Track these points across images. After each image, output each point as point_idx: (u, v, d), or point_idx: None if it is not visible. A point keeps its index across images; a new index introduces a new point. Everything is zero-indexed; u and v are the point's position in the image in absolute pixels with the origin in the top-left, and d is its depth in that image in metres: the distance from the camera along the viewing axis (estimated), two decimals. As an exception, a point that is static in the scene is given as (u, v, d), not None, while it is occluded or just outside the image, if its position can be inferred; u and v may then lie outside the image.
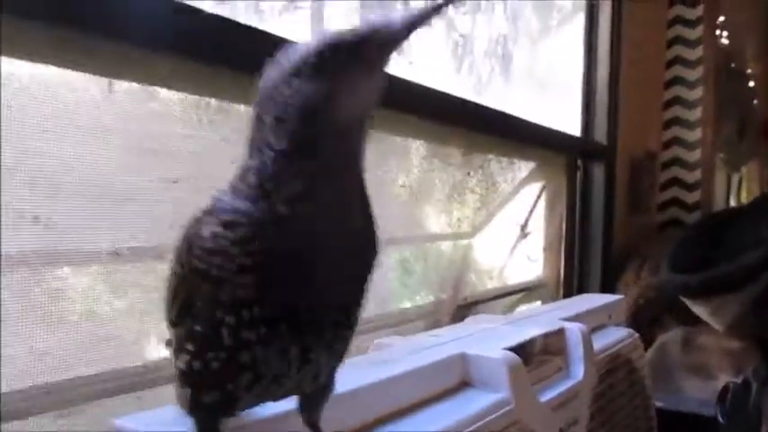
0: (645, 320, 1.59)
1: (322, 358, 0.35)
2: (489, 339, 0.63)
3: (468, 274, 1.16)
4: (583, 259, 1.65)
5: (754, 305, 1.36)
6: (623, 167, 1.77)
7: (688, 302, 1.47)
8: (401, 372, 0.52)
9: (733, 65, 3.55)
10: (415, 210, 1.17)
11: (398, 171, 1.07)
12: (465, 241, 1.26)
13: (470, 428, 0.50)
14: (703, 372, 1.42)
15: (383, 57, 0.33)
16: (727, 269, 1.33)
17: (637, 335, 0.91)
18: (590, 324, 0.81)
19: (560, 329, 0.72)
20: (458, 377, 0.57)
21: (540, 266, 1.45)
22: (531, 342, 0.68)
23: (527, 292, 1.37)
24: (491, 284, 1.28)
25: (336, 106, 0.31)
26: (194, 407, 0.35)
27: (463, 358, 0.57)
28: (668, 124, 2.04)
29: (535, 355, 0.70)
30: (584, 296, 1.07)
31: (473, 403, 0.53)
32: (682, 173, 2.02)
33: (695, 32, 2.04)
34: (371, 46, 0.32)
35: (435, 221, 1.22)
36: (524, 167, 1.43)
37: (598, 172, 1.67)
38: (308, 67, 0.31)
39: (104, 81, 0.51)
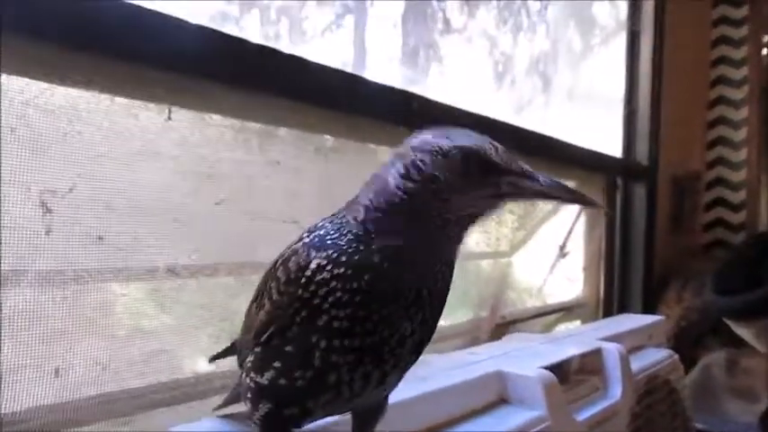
0: (688, 342, 1.57)
1: (394, 379, 0.39)
2: (526, 358, 0.65)
3: (506, 292, 1.17)
4: (624, 279, 1.64)
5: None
6: (665, 187, 1.76)
7: (732, 324, 1.45)
8: (439, 387, 0.54)
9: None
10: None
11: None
12: (504, 260, 1.27)
13: (507, 444, 0.51)
14: (748, 395, 1.39)
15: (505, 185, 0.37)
16: (765, 293, 1.31)
17: (676, 356, 0.91)
18: (628, 344, 0.81)
19: (598, 349, 0.73)
20: (495, 394, 0.58)
21: (579, 286, 1.45)
22: (568, 361, 0.69)
23: (566, 311, 1.37)
24: (530, 303, 1.29)
25: (458, 200, 0.36)
26: (270, 419, 0.38)
27: (500, 376, 0.59)
28: (712, 144, 2.02)
29: (573, 375, 0.71)
30: (624, 316, 1.07)
31: (510, 420, 0.55)
32: (726, 193, 1.99)
33: (740, 52, 2.02)
34: (506, 174, 0.37)
35: (474, 240, 1.24)
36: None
37: (639, 192, 1.67)
38: (453, 159, 0.36)
39: (164, 108, 0.55)
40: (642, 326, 0.91)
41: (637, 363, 0.79)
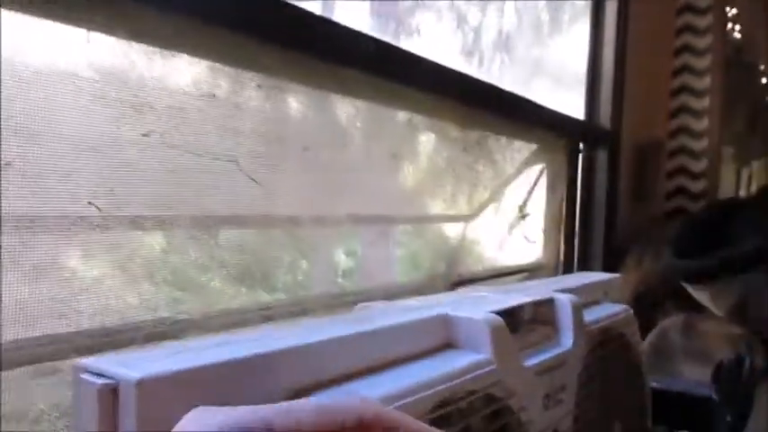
0: (646, 306, 1.58)
1: None
2: (476, 304, 0.62)
3: (463, 251, 1.15)
4: (585, 244, 1.63)
5: (753, 291, 1.35)
6: (628, 154, 1.76)
7: (689, 288, 1.46)
8: (381, 327, 0.51)
9: (746, 59, 3.52)
10: (412, 186, 1.17)
11: (395, 145, 1.06)
12: (461, 220, 1.25)
13: (450, 384, 0.49)
14: (703, 357, 1.40)
15: None
16: (728, 255, 1.31)
17: (631, 311, 0.89)
18: (583, 298, 0.80)
19: (550, 299, 0.71)
20: (441, 338, 0.56)
21: (539, 249, 1.44)
22: (520, 310, 0.67)
23: (526, 273, 1.36)
24: (489, 264, 1.27)
25: None
26: None
27: (446, 319, 0.56)
28: (676, 113, 2.03)
29: (525, 323, 0.69)
30: (580, 273, 1.06)
31: (454, 362, 0.53)
32: (688, 162, 2.00)
33: (704, 21, 2.01)
34: None
35: (432, 199, 1.22)
36: (525, 149, 1.42)
37: (602, 157, 1.66)
38: None
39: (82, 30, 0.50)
40: (597, 281, 0.90)
41: (590, 315, 0.77)
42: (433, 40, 1.30)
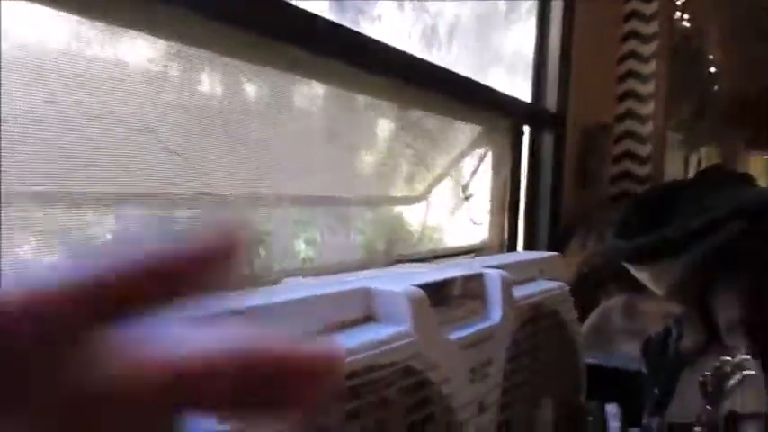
0: (590, 287, 1.60)
1: None
2: (402, 279, 0.62)
3: (404, 231, 1.15)
4: (531, 225, 1.65)
5: (691, 271, 1.38)
6: (574, 138, 1.78)
7: (631, 268, 1.48)
8: (300, 297, 0.50)
9: (694, 47, 3.59)
10: (357, 167, 1.16)
11: (339, 125, 1.05)
12: (405, 202, 1.25)
13: (365, 355, 0.48)
14: (643, 335, 1.42)
15: None
16: (666, 236, 1.34)
17: (567, 288, 0.90)
18: (516, 275, 0.80)
19: (480, 274, 0.71)
20: (361, 311, 0.55)
21: (484, 230, 1.45)
22: (448, 285, 0.67)
23: (471, 254, 1.37)
24: (431, 245, 1.27)
25: None
26: None
27: (367, 292, 0.56)
28: (622, 98, 2.05)
29: (455, 299, 0.68)
30: (518, 252, 1.07)
31: (372, 333, 0.52)
32: (634, 146, 2.03)
33: (651, 7, 2.04)
34: None
35: (373, 179, 1.21)
36: (470, 130, 1.42)
37: (548, 140, 1.67)
38: None
39: None
40: (533, 259, 0.90)
41: (523, 291, 0.77)
42: (392, 28, 1.29)
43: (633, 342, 1.48)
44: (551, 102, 1.68)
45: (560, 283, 0.90)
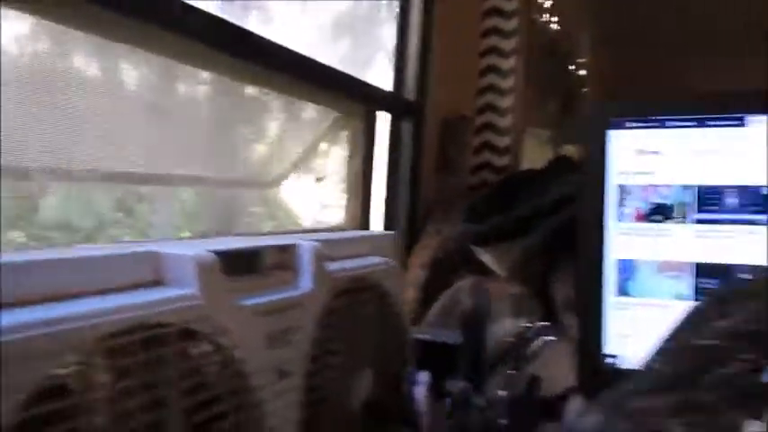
0: (445, 271, 1.66)
1: None
2: (202, 246, 0.62)
3: (246, 212, 1.15)
4: (390, 211, 1.69)
5: (529, 253, 1.46)
6: (434, 127, 1.83)
7: (477, 251, 1.56)
8: (84, 255, 0.49)
9: (562, 49, 3.78)
10: (208, 147, 1.14)
11: (176, 103, 1.03)
12: (257, 185, 1.25)
13: (144, 313, 0.48)
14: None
15: None
16: (505, 219, 1.42)
17: (394, 264, 0.93)
18: (345, 250, 0.82)
19: (292, 245, 0.72)
20: (149, 274, 0.55)
21: (339, 214, 1.47)
22: (261, 255, 0.68)
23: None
24: (277, 227, 1.28)
25: None
26: None
27: (155, 255, 0.55)
28: (483, 91, 2.13)
29: (267, 269, 0.69)
30: (353, 231, 1.09)
31: (157, 295, 0.52)
32: (493, 138, 2.11)
33: (511, 4, 2.13)
34: None
35: (228, 160, 1.20)
36: (325, 115, 1.44)
37: (407, 128, 1.72)
38: None
39: None
40: (365, 236, 0.93)
41: (344, 265, 0.80)
42: (279, 21, 1.28)
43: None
44: (412, 91, 1.72)
45: (387, 260, 0.93)
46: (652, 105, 0.78)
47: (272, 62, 1.17)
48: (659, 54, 3.73)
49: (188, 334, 0.53)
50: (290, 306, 0.67)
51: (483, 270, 1.60)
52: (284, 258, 0.72)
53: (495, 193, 1.64)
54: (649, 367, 0.53)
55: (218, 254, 0.59)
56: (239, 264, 0.64)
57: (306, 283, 0.71)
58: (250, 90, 1.24)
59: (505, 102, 2.12)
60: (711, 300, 0.56)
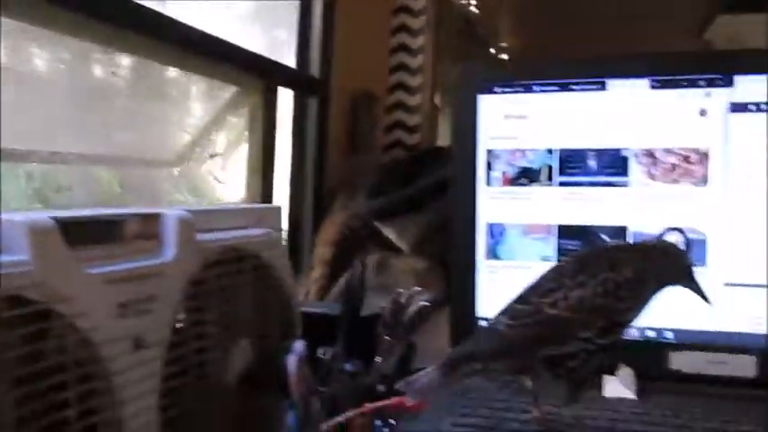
0: (351, 248, 1.66)
1: None
2: (53, 214, 0.59)
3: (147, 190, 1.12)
4: (296, 188, 1.68)
5: (429, 227, 1.48)
6: (341, 105, 1.82)
7: (380, 226, 1.56)
8: None
9: (480, 33, 3.82)
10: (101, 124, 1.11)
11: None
12: (152, 164, 1.21)
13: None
14: (391, 289, 1.51)
15: None
16: (405, 194, 1.43)
17: (279, 236, 0.93)
18: (214, 220, 0.81)
19: (157, 214, 0.70)
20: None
21: (240, 191, 1.45)
22: (120, 224, 0.66)
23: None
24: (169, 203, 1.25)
25: None
26: None
27: (-9, 223, 0.53)
28: (394, 70, 2.13)
29: (129, 238, 0.67)
30: (236, 203, 1.08)
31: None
32: (404, 116, 2.12)
33: (420, -17, 2.14)
34: None
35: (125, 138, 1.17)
36: (225, 91, 1.41)
37: (312, 105, 1.70)
38: None
39: None
40: (244, 208, 0.91)
41: (217, 236, 0.78)
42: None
43: (383, 295, 1.57)
44: (316, 68, 1.71)
45: (269, 231, 0.92)
46: (518, 70, 0.80)
47: (166, 35, 1.14)
48: (580, 38, 3.81)
49: (20, 301, 0.51)
50: (150, 275, 0.65)
51: (390, 246, 1.61)
52: (149, 228, 0.70)
53: (400, 169, 1.65)
54: (496, 328, 0.54)
55: (65, 221, 0.57)
56: (94, 232, 0.62)
57: (169, 251, 0.69)
58: (147, 65, 1.20)
59: (416, 80, 2.13)
60: (568, 266, 0.57)
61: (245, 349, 0.82)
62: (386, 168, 1.69)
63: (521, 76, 0.78)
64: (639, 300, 0.55)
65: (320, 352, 0.83)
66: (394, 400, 0.70)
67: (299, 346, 0.78)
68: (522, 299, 0.56)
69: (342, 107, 1.82)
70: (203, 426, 0.73)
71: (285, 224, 1.48)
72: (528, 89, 0.78)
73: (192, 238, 0.72)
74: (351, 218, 1.68)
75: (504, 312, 0.56)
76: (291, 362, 0.74)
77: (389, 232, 1.53)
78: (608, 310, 0.54)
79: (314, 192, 1.70)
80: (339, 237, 1.65)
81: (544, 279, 0.57)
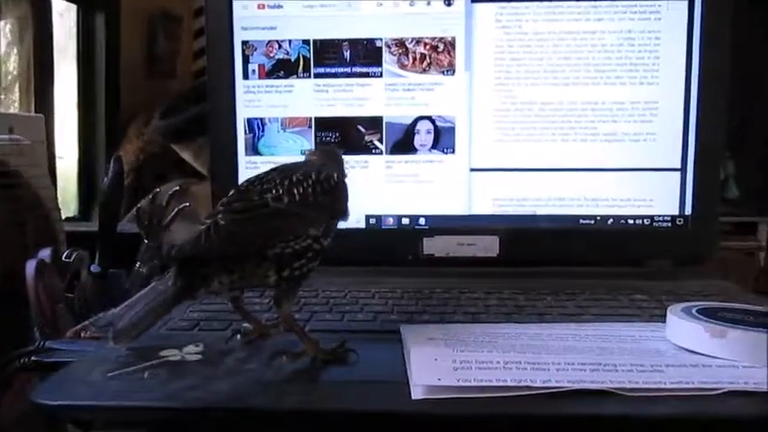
0: (151, 175, 1.57)
1: None
2: None
3: None
4: (87, 111, 1.57)
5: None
6: (135, 25, 1.71)
7: (177, 148, 1.50)
8: None
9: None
10: None
11: None
12: None
13: None
14: (193, 216, 1.45)
15: None
16: (194, 111, 1.36)
17: (27, 143, 0.85)
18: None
19: None
20: None
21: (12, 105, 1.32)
22: None
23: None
24: None
25: None
26: None
27: None
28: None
29: None
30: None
31: None
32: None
33: None
34: None
35: None
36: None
37: (100, 22, 1.58)
38: None
39: None
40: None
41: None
42: None
43: (186, 222, 1.51)
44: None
45: (17, 137, 0.85)
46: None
47: None
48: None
49: None
50: None
51: (191, 173, 1.55)
52: None
53: (195, 88, 1.57)
54: (219, 224, 0.48)
55: None
56: None
57: None
58: None
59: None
60: (273, 172, 0.52)
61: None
62: (181, 91, 1.60)
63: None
64: (347, 200, 0.55)
65: (65, 256, 0.78)
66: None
67: (42, 253, 0.72)
68: (240, 195, 0.51)
69: (135, 27, 1.70)
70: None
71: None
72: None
73: None
74: (148, 144, 1.59)
75: (223, 207, 0.49)
76: (29, 269, 0.69)
77: (186, 155, 1.47)
78: (330, 209, 0.52)
79: (106, 115, 1.58)
80: (137, 165, 1.56)
81: (252, 182, 0.52)
